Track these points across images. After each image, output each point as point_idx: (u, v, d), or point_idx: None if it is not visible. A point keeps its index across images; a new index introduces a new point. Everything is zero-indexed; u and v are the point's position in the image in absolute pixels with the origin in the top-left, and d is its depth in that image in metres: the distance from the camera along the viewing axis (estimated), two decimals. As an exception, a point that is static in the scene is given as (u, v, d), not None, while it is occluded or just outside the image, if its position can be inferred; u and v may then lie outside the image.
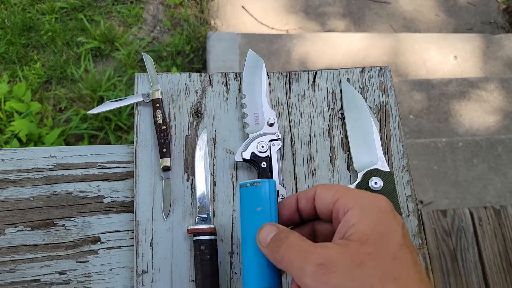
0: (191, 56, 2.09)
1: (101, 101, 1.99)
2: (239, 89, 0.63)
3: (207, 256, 0.54)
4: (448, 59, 2.23)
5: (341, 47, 2.13)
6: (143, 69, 2.05)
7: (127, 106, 1.94)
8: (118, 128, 1.89)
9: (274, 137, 0.60)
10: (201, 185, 0.58)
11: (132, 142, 0.62)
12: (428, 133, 1.98)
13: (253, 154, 0.58)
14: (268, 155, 0.58)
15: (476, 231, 1.62)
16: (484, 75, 2.22)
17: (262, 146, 0.59)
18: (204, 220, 0.56)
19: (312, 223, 0.46)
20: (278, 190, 0.57)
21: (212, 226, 0.55)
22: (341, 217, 0.40)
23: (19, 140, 1.82)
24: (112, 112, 1.89)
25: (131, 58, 2.05)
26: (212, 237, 0.55)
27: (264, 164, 0.58)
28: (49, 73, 2.02)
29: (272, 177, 0.57)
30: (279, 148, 0.59)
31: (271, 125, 0.60)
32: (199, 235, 0.54)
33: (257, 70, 0.63)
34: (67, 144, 1.88)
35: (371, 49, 2.16)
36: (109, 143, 1.88)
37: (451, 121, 2.03)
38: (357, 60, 2.12)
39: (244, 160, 0.58)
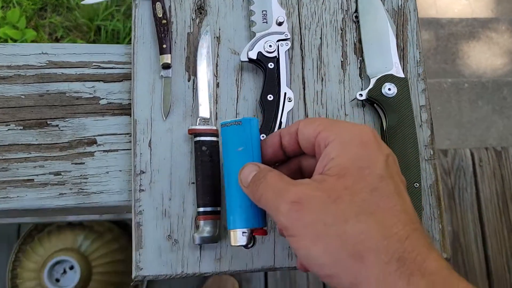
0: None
1: (98, 31, 1.92)
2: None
3: (208, 158, 0.51)
4: (459, -2, 2.15)
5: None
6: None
7: (125, 36, 1.88)
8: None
9: (283, 36, 0.55)
10: (204, 86, 0.54)
11: (130, 43, 0.58)
12: (434, 74, 1.93)
13: (259, 53, 0.54)
14: (275, 56, 0.54)
15: (475, 171, 1.61)
16: (495, 16, 2.14)
17: (270, 46, 0.54)
18: (205, 121, 0.53)
19: (298, 159, 0.44)
20: (286, 96, 0.53)
21: (214, 128, 0.52)
22: (322, 151, 0.38)
23: None
24: (110, 42, 1.83)
25: (129, -16, 1.95)
26: (214, 138, 0.52)
27: (271, 65, 0.54)
28: (44, -1, 1.94)
29: (279, 79, 0.54)
30: (288, 49, 0.55)
31: (280, 24, 0.56)
32: (200, 136, 0.51)
33: None
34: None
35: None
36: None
37: (458, 63, 1.98)
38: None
39: (250, 60, 0.54)
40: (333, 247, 0.33)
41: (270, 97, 0.53)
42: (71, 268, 1.17)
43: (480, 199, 1.56)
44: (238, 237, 0.43)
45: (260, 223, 0.43)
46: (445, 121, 1.80)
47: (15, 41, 1.82)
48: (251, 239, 0.43)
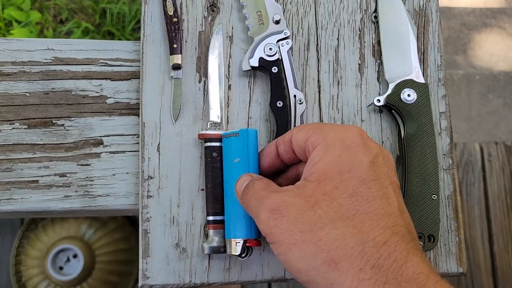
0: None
1: (103, 14, 1.88)
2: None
3: (218, 164, 0.49)
4: (473, -13, 2.09)
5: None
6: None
7: (130, 20, 1.84)
8: (121, 42, 1.81)
9: (282, 35, 0.52)
10: (215, 88, 0.52)
11: (138, 39, 0.55)
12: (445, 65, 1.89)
13: (261, 59, 0.52)
14: (278, 58, 0.52)
15: (484, 166, 1.59)
16: (509, 6, 2.09)
17: (270, 49, 0.52)
18: (216, 126, 0.51)
19: (296, 167, 0.44)
20: (296, 98, 0.51)
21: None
22: (309, 156, 0.38)
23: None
24: (115, 26, 1.80)
25: (136, -33, 1.91)
26: (225, 144, 0.50)
27: (275, 69, 0.52)
28: (49, -20, 1.90)
29: (286, 82, 0.51)
30: (290, 48, 0.52)
31: (277, 22, 0.52)
32: (211, 141, 0.49)
33: None
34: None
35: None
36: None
37: (470, 54, 1.94)
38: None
39: (253, 68, 0.52)
40: (308, 254, 0.33)
41: (279, 103, 0.51)
42: (75, 256, 1.17)
43: (488, 194, 1.54)
44: (233, 246, 0.45)
45: (253, 234, 0.45)
46: (454, 114, 1.77)
47: (19, 23, 1.79)
48: (245, 249, 0.45)
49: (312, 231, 0.33)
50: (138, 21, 1.84)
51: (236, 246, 0.45)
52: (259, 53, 0.52)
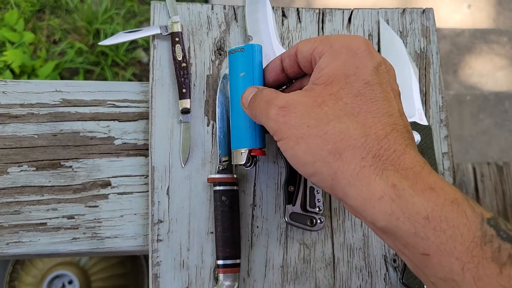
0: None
1: (97, 34, 1.89)
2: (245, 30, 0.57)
3: (228, 208, 0.50)
4: (461, 8, 2.14)
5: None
6: (142, 2, 1.94)
7: (124, 41, 1.85)
8: (114, 64, 1.81)
9: None
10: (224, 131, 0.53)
11: (143, 72, 0.56)
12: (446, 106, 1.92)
13: None
14: None
15: (477, 186, 1.61)
16: (497, 27, 2.14)
17: None
18: (225, 169, 0.52)
19: (300, 81, 0.46)
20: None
21: (234, 176, 0.51)
22: (315, 65, 0.40)
23: (12, 71, 1.74)
24: (108, 47, 1.80)
25: (130, -11, 1.93)
26: (234, 187, 0.51)
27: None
28: (42, 1, 1.90)
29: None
30: None
31: None
32: (220, 185, 0.50)
33: (260, 6, 0.56)
34: (62, 78, 1.81)
35: (383, -6, 2.05)
36: (106, 79, 1.80)
37: (460, 74, 1.98)
38: (367, 1, 2.01)
39: None
40: (314, 147, 0.35)
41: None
42: (70, 282, 1.16)
43: (481, 214, 1.55)
44: (238, 156, 0.47)
45: (258, 144, 0.46)
46: (447, 133, 1.80)
47: (12, 43, 1.79)
48: (249, 159, 0.47)
49: (318, 125, 0.35)
50: (132, 42, 1.84)
51: (241, 156, 0.47)
52: None
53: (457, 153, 1.81)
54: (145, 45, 1.80)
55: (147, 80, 0.55)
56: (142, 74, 1.78)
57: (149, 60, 0.54)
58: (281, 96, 0.38)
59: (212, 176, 0.51)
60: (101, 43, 0.55)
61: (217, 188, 0.50)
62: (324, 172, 0.35)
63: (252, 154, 0.47)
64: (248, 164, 0.47)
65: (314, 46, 0.40)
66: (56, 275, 1.14)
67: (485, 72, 1.97)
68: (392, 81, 0.39)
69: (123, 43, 1.83)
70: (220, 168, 0.51)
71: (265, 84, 0.47)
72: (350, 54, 0.38)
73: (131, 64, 1.80)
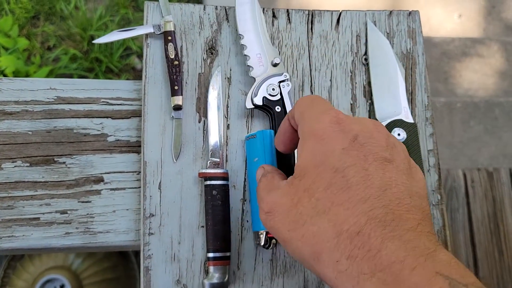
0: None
1: (91, 40, 1.90)
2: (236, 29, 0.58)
3: (218, 202, 0.51)
4: (452, 17, 2.18)
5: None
6: (136, 9, 1.95)
7: (118, 47, 1.86)
8: (109, 70, 1.82)
9: (282, 77, 0.55)
10: (214, 128, 0.54)
11: (137, 79, 0.57)
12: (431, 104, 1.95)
13: (264, 98, 0.54)
14: (280, 98, 0.54)
15: (468, 192, 1.63)
16: (487, 36, 2.18)
17: (273, 89, 0.54)
18: (216, 164, 0.53)
19: None
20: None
21: (225, 171, 0.52)
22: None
23: (6, 77, 1.74)
24: (103, 53, 1.81)
25: (125, -4, 1.94)
26: (225, 182, 0.52)
27: (278, 108, 0.54)
28: (37, 8, 1.92)
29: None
30: (290, 90, 0.55)
31: (275, 65, 0.55)
32: (211, 180, 0.51)
33: (250, 5, 0.58)
34: (57, 83, 1.81)
35: (372, 1, 2.09)
36: (101, 85, 1.81)
37: (451, 82, 2.00)
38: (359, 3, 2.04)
39: (256, 106, 0.54)
40: (297, 250, 0.35)
41: None
42: (62, 286, 1.15)
43: (472, 220, 1.57)
44: (258, 237, 0.50)
45: None
46: (438, 140, 1.82)
47: (6, 49, 1.80)
48: (267, 241, 0.50)
49: (296, 229, 0.34)
50: (126, 48, 1.86)
51: (261, 238, 0.50)
52: (263, 92, 0.54)
53: (447, 159, 1.83)
54: (139, 51, 1.82)
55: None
56: (135, 80, 1.79)
57: (142, 66, 0.55)
58: (266, 200, 0.38)
59: (203, 171, 0.52)
60: (96, 41, 0.56)
61: (208, 182, 0.51)
62: (314, 272, 0.34)
63: (269, 236, 0.50)
64: (266, 246, 0.50)
65: (297, 124, 0.40)
66: (48, 279, 1.13)
67: (475, 79, 2.00)
68: (376, 147, 0.35)
69: (117, 49, 1.85)
70: (211, 163, 0.53)
71: (283, 146, 0.45)
72: (316, 140, 0.36)
73: (125, 71, 1.81)
